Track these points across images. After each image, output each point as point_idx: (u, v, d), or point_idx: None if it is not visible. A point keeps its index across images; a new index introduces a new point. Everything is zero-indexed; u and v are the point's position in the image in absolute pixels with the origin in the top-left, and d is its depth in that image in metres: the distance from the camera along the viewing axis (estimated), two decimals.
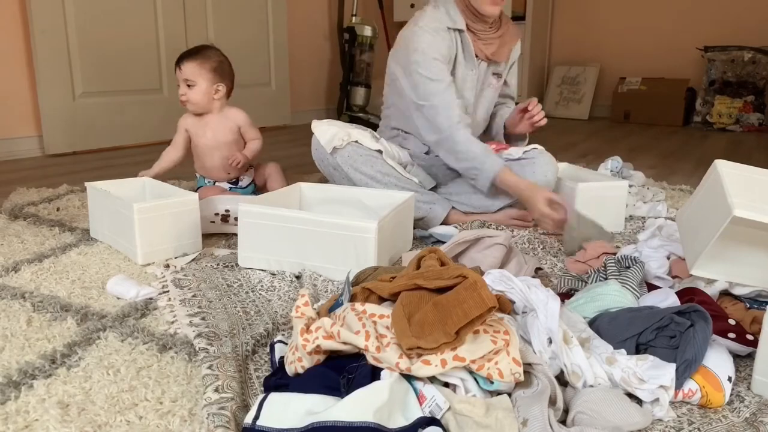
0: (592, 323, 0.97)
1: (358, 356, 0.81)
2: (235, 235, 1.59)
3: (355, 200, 1.55)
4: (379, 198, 1.53)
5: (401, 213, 1.41)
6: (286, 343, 0.93)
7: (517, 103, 1.91)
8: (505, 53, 1.78)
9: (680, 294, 1.07)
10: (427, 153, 1.79)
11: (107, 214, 1.49)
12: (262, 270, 1.33)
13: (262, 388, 0.86)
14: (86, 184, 1.57)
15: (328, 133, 1.66)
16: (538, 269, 1.34)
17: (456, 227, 1.65)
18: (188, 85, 1.80)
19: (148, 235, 1.38)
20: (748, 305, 1.09)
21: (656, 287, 1.17)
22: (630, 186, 1.98)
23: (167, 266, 1.35)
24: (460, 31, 1.68)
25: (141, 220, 1.36)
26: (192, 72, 1.78)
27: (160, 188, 1.63)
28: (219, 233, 1.62)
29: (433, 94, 1.63)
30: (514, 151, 1.71)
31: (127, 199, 1.41)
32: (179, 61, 1.81)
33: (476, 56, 1.72)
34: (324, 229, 1.27)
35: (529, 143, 1.80)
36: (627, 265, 1.20)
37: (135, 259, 1.39)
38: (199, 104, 1.82)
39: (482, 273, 1.07)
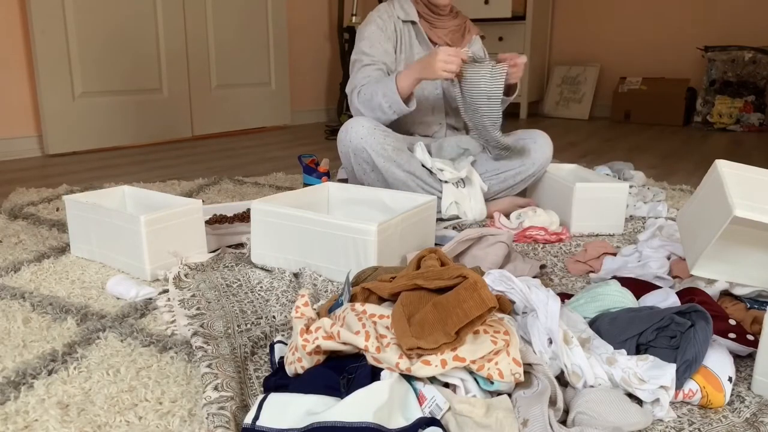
0: (593, 323, 0.97)
1: (358, 356, 0.80)
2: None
3: (378, 201, 1.54)
4: (402, 200, 1.50)
5: (415, 216, 1.37)
6: (286, 344, 0.93)
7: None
8: (463, 40, 1.85)
9: (680, 294, 1.07)
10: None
11: (95, 229, 1.37)
12: (262, 269, 1.33)
13: (262, 389, 0.86)
14: (64, 198, 1.43)
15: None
16: (540, 267, 1.34)
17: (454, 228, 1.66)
18: None
19: (156, 247, 1.28)
20: (748, 305, 1.09)
21: (657, 287, 1.17)
22: (630, 186, 1.98)
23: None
24: (413, 22, 1.80)
25: (149, 233, 1.26)
26: None
27: (144, 196, 1.51)
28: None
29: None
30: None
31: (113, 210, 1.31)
32: None
33: (435, 43, 1.81)
34: (327, 230, 1.27)
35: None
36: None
37: (144, 276, 1.28)
38: None
39: (482, 273, 1.07)
